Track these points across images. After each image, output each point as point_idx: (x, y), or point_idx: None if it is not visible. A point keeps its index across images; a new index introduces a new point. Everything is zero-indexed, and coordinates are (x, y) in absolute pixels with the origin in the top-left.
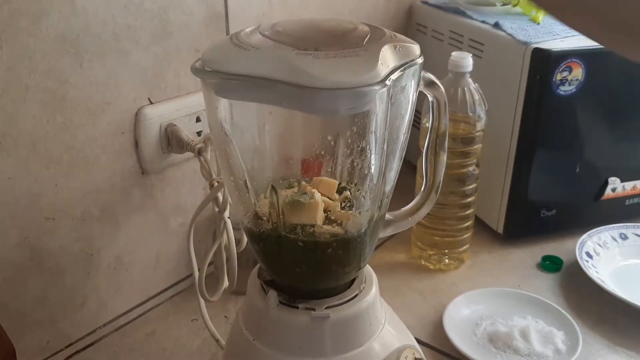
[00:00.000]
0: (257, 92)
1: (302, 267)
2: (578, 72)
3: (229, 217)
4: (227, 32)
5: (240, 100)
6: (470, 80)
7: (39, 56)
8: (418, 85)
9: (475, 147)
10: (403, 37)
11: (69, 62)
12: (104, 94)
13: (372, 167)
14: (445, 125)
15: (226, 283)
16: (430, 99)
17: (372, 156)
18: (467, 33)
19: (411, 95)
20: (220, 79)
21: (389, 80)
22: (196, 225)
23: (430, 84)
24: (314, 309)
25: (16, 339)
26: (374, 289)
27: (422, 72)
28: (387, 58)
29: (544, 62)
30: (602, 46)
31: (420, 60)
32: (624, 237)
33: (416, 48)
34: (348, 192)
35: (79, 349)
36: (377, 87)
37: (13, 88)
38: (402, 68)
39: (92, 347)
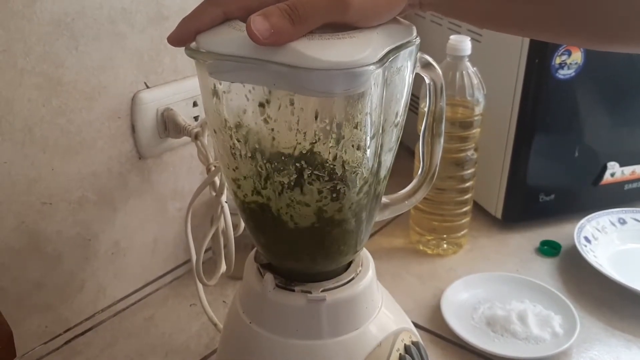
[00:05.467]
0: (252, 73)
1: (298, 248)
2: (577, 56)
3: (226, 202)
4: None
5: (234, 81)
6: (468, 64)
7: (34, 39)
8: (414, 67)
9: (474, 131)
10: (399, 19)
11: (64, 45)
12: (99, 78)
13: (368, 150)
14: (442, 107)
15: (224, 267)
16: (427, 81)
17: (367, 138)
18: None
19: (407, 77)
20: (215, 60)
21: (384, 61)
22: (194, 210)
23: (426, 66)
24: (310, 292)
25: (15, 323)
26: (371, 272)
27: (419, 54)
28: (383, 39)
29: (543, 45)
30: None
31: (416, 41)
32: (622, 221)
33: (412, 29)
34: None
35: (77, 334)
36: (372, 68)
37: (8, 71)
38: (398, 49)
39: (90, 331)
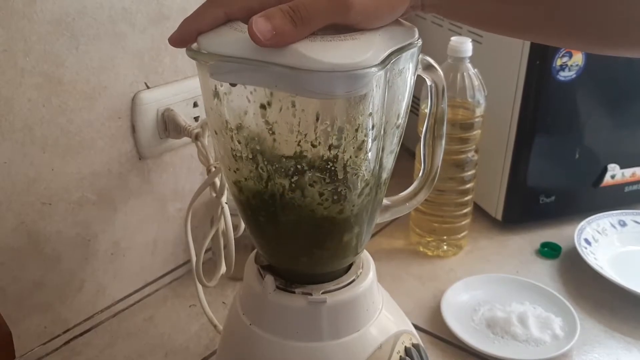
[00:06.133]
0: (253, 75)
1: (298, 249)
2: (578, 58)
3: (226, 203)
4: None
5: (235, 82)
6: (469, 65)
7: (34, 39)
8: (416, 69)
9: (474, 133)
10: (401, 20)
11: (64, 45)
12: (100, 78)
13: (369, 152)
14: (443, 109)
15: (224, 268)
16: (428, 82)
17: (369, 140)
18: None
19: (409, 79)
20: (216, 61)
21: (386, 62)
22: (194, 211)
23: (428, 68)
24: (310, 294)
25: (14, 323)
26: (371, 274)
27: (420, 56)
28: (385, 41)
29: (544, 47)
30: None
31: (418, 43)
32: (622, 223)
33: (414, 31)
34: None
35: (76, 334)
36: (374, 70)
37: (8, 71)
38: (400, 51)
39: (90, 332)
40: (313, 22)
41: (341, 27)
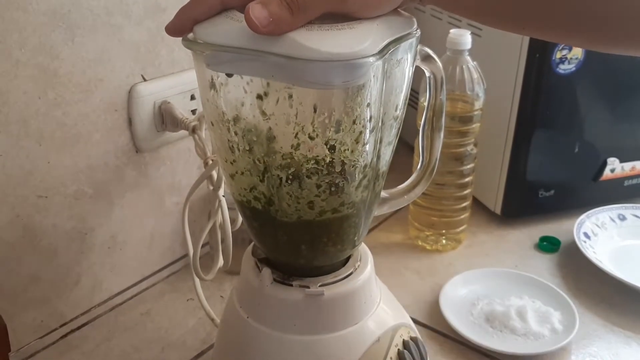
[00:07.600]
0: (249, 65)
1: (296, 242)
2: (578, 51)
3: (223, 196)
4: None
5: (232, 72)
6: (469, 58)
7: (29, 30)
8: (414, 60)
9: (474, 126)
10: (400, 10)
11: (60, 37)
12: (96, 70)
13: (367, 144)
14: (442, 101)
15: (221, 262)
16: (427, 74)
17: (367, 132)
18: None
19: (407, 70)
20: (212, 51)
21: (384, 52)
22: (191, 205)
23: (426, 58)
24: (308, 287)
25: (10, 317)
26: (369, 267)
27: (419, 46)
28: (383, 30)
29: (544, 40)
30: None
31: (417, 34)
32: (622, 217)
33: (413, 21)
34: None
35: (73, 328)
36: (372, 59)
37: (3, 63)
38: (398, 41)
39: (86, 326)
40: (310, 9)
41: (339, 16)
